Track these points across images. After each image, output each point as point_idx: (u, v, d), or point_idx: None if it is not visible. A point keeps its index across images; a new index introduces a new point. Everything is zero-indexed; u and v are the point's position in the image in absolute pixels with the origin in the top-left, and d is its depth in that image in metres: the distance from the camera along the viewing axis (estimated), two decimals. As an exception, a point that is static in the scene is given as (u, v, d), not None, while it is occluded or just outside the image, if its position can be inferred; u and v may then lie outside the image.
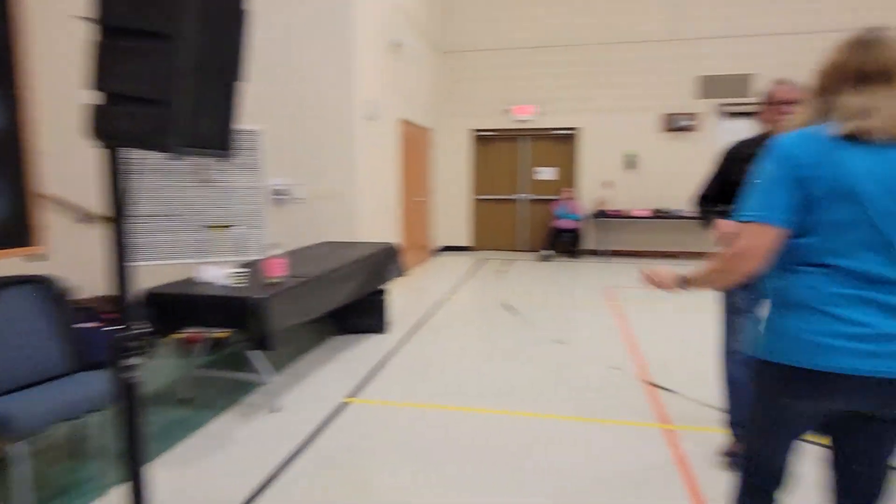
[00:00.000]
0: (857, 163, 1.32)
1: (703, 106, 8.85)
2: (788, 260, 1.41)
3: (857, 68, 1.37)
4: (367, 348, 4.39)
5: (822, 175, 1.33)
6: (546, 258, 9.06)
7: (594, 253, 9.43)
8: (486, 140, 9.95)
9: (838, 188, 1.32)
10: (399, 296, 6.18)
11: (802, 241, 1.38)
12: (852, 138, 1.33)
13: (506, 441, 2.83)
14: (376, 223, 6.44)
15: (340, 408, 3.25)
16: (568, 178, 9.65)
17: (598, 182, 9.40)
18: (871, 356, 1.29)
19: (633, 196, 9.21)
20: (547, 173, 9.82)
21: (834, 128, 1.36)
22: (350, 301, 4.05)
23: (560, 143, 9.68)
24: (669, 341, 4.56)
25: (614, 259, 9.14)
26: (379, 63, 6.46)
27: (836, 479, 1.49)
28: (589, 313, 5.56)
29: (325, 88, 5.73)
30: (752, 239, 1.38)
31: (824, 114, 1.40)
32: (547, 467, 2.57)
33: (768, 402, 1.47)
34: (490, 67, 9.56)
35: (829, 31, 7.85)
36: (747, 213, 1.40)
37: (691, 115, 8.89)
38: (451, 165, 9.89)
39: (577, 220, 9.13)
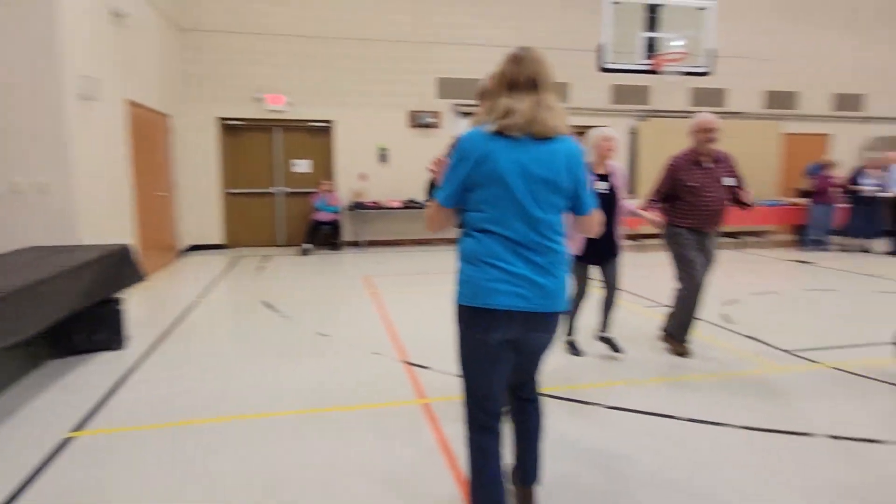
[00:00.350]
0: (505, 154, 1.74)
1: (443, 105, 9.73)
2: (468, 227, 1.83)
3: (511, 77, 1.78)
4: (97, 369, 3.76)
5: (482, 164, 1.74)
6: (306, 252, 8.94)
7: (354, 244, 9.64)
8: (236, 130, 9.32)
9: (493, 174, 1.74)
10: (139, 304, 5.44)
11: (475, 214, 1.79)
12: (501, 134, 1.74)
13: (272, 445, 2.74)
14: (104, 222, 5.53)
15: (63, 445, 2.73)
16: (325, 170, 9.65)
17: (354, 174, 9.61)
18: (520, 297, 1.75)
19: (387, 188, 9.67)
20: (303, 166, 9.66)
21: (490, 126, 1.75)
22: (68, 316, 3.42)
23: (315, 135, 9.60)
24: (422, 322, 4.94)
25: (372, 249, 9.49)
26: (96, 34, 5.51)
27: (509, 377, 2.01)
28: (350, 303, 5.68)
29: (20, 59, 4.67)
30: (433, 213, 1.87)
31: (490, 113, 1.79)
32: (318, 464, 2.57)
33: (467, 340, 1.84)
34: (237, 52, 8.95)
35: (539, 46, 9.32)
36: (435, 194, 1.87)
37: (434, 114, 9.69)
38: (196, 156, 9.01)
39: (336, 212, 9.21)
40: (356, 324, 4.91)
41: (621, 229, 3.86)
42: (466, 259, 1.81)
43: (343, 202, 9.42)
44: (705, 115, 3.84)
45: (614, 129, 3.94)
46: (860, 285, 6.46)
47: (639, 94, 10.35)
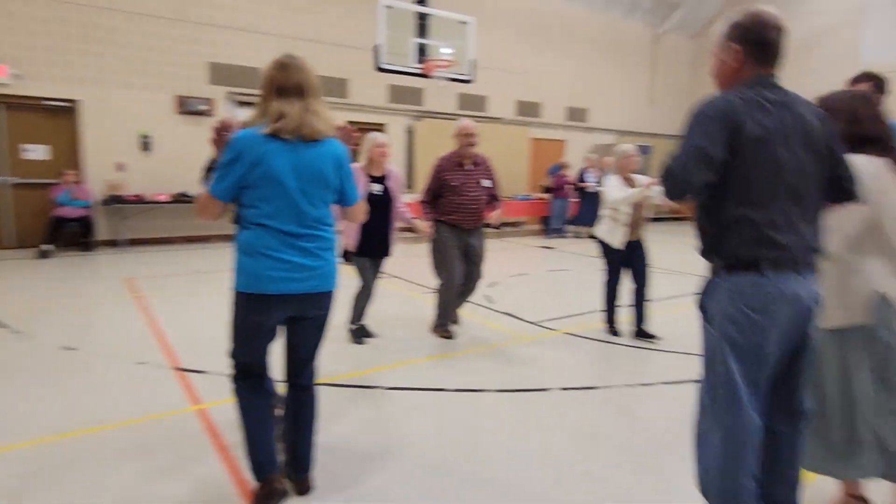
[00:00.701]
0: (279, 155, 1.90)
1: (217, 92, 9.10)
2: (245, 221, 1.96)
3: (279, 83, 1.93)
4: None
5: (258, 166, 1.88)
6: (46, 254, 7.57)
7: (112, 244, 8.48)
8: (-68, 103, 7.42)
9: (268, 175, 1.89)
10: None
11: (251, 210, 1.93)
12: (275, 136, 1.90)
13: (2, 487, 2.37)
14: None
15: None
16: (69, 158, 8.27)
17: (109, 164, 8.43)
18: (293, 281, 1.96)
19: (151, 180, 8.69)
20: (38, 152, 8.15)
21: (264, 128, 1.90)
22: None
23: (53, 116, 8.16)
24: (197, 324, 4.65)
25: (134, 248, 8.47)
26: None
27: (285, 357, 2.18)
28: (107, 311, 5.05)
29: None
30: (204, 203, 1.96)
31: (263, 116, 1.93)
32: (72, 498, 2.31)
33: (242, 321, 2.03)
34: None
35: (319, 41, 9.31)
36: (208, 185, 1.95)
37: (206, 101, 9.00)
38: None
39: (85, 207, 7.97)
40: (115, 333, 4.40)
41: (395, 230, 4.15)
42: (243, 250, 1.95)
43: (95, 195, 8.20)
44: (465, 122, 4.31)
45: (387, 135, 4.21)
46: (586, 265, 7.97)
47: (414, 95, 11.03)
